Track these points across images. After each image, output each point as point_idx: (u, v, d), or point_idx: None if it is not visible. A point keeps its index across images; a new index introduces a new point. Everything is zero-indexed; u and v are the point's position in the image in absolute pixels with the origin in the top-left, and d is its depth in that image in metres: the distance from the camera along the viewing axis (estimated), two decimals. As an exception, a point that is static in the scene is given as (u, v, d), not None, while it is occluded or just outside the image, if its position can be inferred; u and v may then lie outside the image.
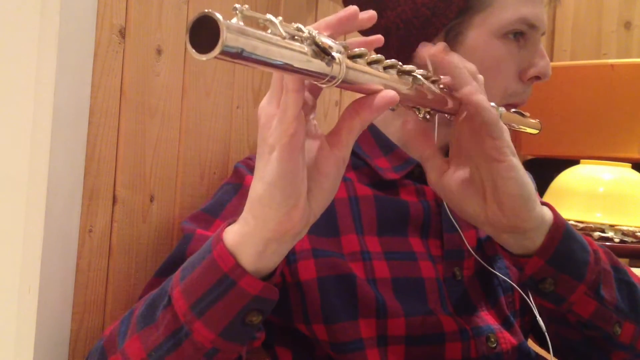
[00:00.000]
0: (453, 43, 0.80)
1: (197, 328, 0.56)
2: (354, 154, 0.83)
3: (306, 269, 0.74)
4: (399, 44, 0.82)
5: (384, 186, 0.82)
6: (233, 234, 0.56)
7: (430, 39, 0.81)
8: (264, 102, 0.54)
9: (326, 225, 0.76)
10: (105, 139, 0.78)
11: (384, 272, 0.76)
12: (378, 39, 0.56)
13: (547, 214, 0.69)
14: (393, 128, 0.85)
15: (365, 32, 0.89)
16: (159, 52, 0.85)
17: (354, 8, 0.54)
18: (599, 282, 0.71)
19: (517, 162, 0.65)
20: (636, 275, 0.80)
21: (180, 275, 0.59)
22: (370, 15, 0.55)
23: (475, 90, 0.63)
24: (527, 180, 0.66)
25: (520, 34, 0.80)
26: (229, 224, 0.58)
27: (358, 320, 0.73)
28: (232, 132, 0.99)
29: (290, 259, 0.74)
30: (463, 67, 0.64)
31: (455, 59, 0.64)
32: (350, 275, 0.74)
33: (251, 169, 0.80)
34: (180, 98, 0.89)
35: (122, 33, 0.79)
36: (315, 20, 1.19)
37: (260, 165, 0.53)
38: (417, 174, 0.84)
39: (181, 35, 0.88)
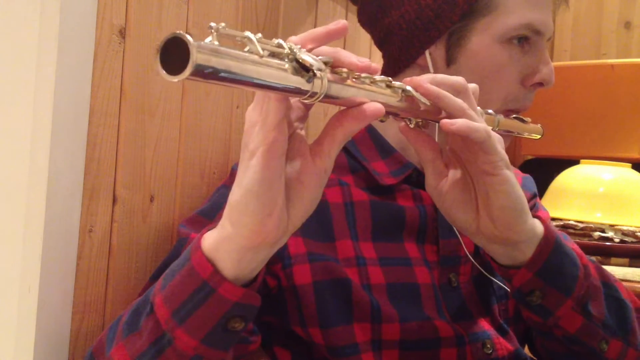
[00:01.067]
0: (455, 46, 0.80)
1: (179, 335, 0.56)
2: (352, 156, 0.83)
3: (302, 273, 0.74)
4: (401, 45, 0.82)
5: (380, 191, 0.81)
6: (211, 240, 0.56)
7: (433, 41, 0.80)
8: (250, 108, 0.54)
9: (321, 230, 0.76)
10: (105, 139, 0.78)
11: (379, 278, 0.76)
12: (366, 65, 0.53)
13: (539, 226, 0.68)
14: (392, 131, 0.85)
15: (369, 32, 0.89)
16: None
17: (343, 23, 0.53)
18: (587, 298, 0.70)
19: (510, 175, 0.64)
20: (627, 291, 0.79)
21: (161, 283, 0.59)
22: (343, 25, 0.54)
23: (449, 123, 0.61)
24: (520, 193, 0.65)
25: (524, 39, 0.79)
26: (209, 230, 0.58)
27: (353, 325, 0.73)
28: (232, 132, 0.99)
29: (286, 263, 0.74)
30: (444, 94, 0.62)
31: (431, 87, 0.61)
32: (346, 280, 0.74)
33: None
34: (180, 98, 0.89)
35: (122, 33, 0.79)
36: (315, 20, 1.19)
37: (240, 170, 0.53)
38: (414, 178, 0.83)
39: (181, 35, 0.88)
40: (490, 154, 0.62)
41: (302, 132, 0.55)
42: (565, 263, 0.69)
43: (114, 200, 0.80)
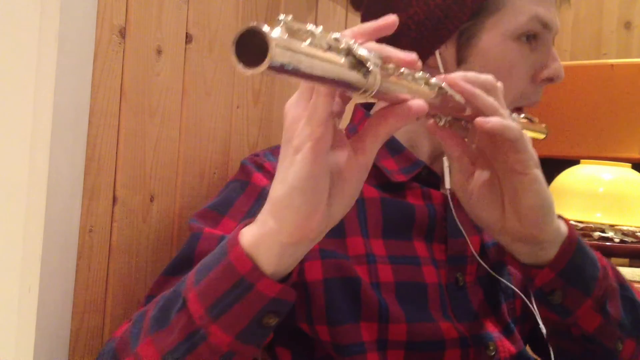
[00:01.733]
0: (466, 46, 0.80)
1: (214, 331, 0.56)
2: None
3: (313, 270, 0.74)
4: (410, 46, 0.81)
5: (391, 188, 0.81)
6: (250, 236, 0.56)
7: (443, 41, 0.80)
8: (291, 102, 0.53)
9: (333, 227, 0.76)
10: (105, 139, 0.78)
11: (388, 276, 0.76)
12: (413, 59, 0.53)
13: (563, 227, 0.69)
14: (401, 130, 0.85)
15: None
16: (159, 52, 0.85)
17: (393, 18, 0.53)
18: (605, 298, 0.70)
19: (540, 175, 0.64)
20: (638, 292, 0.80)
21: (194, 278, 0.59)
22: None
23: (484, 122, 0.61)
24: (549, 193, 0.65)
25: (532, 37, 0.79)
26: (245, 225, 0.58)
27: (360, 324, 0.73)
28: (232, 132, 0.99)
29: None
30: (478, 93, 0.62)
31: (467, 86, 0.62)
32: (355, 279, 0.74)
33: (258, 166, 0.80)
34: (180, 98, 0.89)
35: (122, 33, 0.79)
36: (315, 20, 1.19)
37: (283, 166, 0.52)
38: (424, 176, 0.83)
39: (181, 35, 0.88)
40: (521, 152, 0.63)
41: (340, 127, 0.55)
42: (586, 264, 0.70)
43: (114, 200, 0.80)
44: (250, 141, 1.03)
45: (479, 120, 0.61)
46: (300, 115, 0.51)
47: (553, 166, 1.40)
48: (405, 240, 0.79)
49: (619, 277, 0.76)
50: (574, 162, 1.35)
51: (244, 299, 0.55)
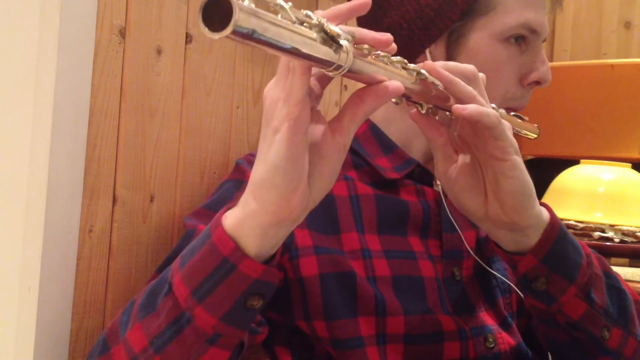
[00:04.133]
0: (455, 45, 0.80)
1: (199, 313, 0.56)
2: (355, 153, 0.84)
3: (308, 265, 0.74)
4: (401, 45, 0.82)
5: (384, 185, 0.82)
6: (233, 218, 0.56)
7: (433, 40, 0.81)
8: (269, 85, 0.54)
9: (327, 223, 0.77)
10: (105, 139, 0.78)
11: (384, 271, 0.76)
12: (388, 39, 0.55)
13: (545, 213, 0.69)
14: (394, 128, 0.86)
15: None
16: (159, 52, 0.85)
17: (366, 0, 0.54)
18: (590, 285, 0.71)
19: (519, 161, 0.65)
20: (626, 284, 0.80)
21: (180, 262, 0.59)
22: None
23: (460, 108, 0.62)
24: (529, 179, 0.66)
25: (521, 39, 0.80)
26: (229, 208, 0.58)
27: (358, 318, 0.74)
28: (232, 132, 0.99)
29: (293, 255, 0.75)
30: (455, 80, 0.63)
31: (444, 72, 0.63)
32: (351, 273, 0.74)
33: (252, 165, 0.80)
34: (180, 98, 0.89)
35: (122, 33, 0.79)
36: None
37: (264, 147, 0.53)
38: (417, 174, 0.84)
39: (181, 35, 0.88)
40: (500, 139, 0.63)
41: (319, 109, 0.56)
42: (569, 250, 0.70)
43: (114, 200, 0.80)
44: (250, 141, 1.03)
45: (457, 106, 0.62)
46: (278, 97, 0.52)
47: (553, 166, 1.40)
48: (400, 235, 0.80)
49: (604, 266, 0.76)
50: (574, 162, 1.35)
51: (227, 279, 0.55)
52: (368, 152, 0.84)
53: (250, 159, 0.83)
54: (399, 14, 0.81)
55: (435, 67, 0.62)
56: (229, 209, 0.58)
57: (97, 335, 0.79)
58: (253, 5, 0.41)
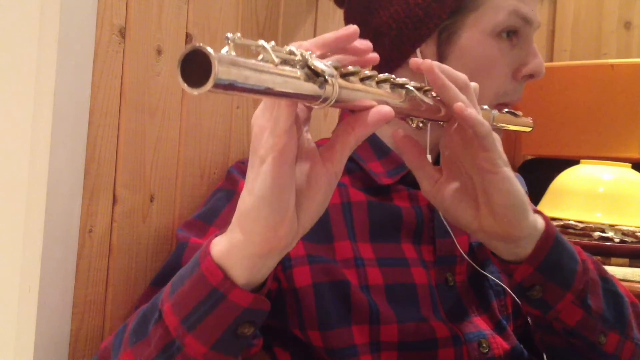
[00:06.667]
0: (446, 43, 0.80)
1: (189, 342, 0.56)
2: (348, 157, 0.83)
3: (301, 275, 0.74)
4: (391, 45, 0.82)
5: (377, 191, 0.82)
6: (221, 246, 0.56)
7: (424, 39, 0.81)
8: (257, 112, 0.53)
9: (320, 232, 0.76)
10: (105, 139, 0.78)
11: (377, 279, 0.76)
12: (373, 58, 0.55)
13: (539, 222, 0.69)
14: (388, 132, 0.85)
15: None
16: (159, 52, 0.85)
17: (353, 28, 0.53)
18: (586, 292, 0.70)
19: (509, 173, 0.64)
20: (623, 287, 0.80)
21: (170, 289, 0.59)
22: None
23: (463, 107, 0.62)
24: (520, 190, 0.66)
25: (513, 33, 0.80)
26: (217, 235, 0.58)
27: (351, 327, 0.73)
28: (232, 132, 0.99)
29: (286, 265, 0.74)
30: (450, 85, 0.63)
31: (441, 76, 0.62)
32: (344, 282, 0.74)
33: (244, 173, 0.80)
34: (180, 98, 0.89)
35: (122, 33, 0.79)
36: (315, 20, 1.19)
37: (250, 178, 0.53)
38: (410, 179, 0.83)
39: (181, 35, 0.88)
40: (489, 151, 0.63)
41: (309, 135, 0.55)
42: (564, 257, 0.70)
43: (114, 201, 0.80)
44: (250, 141, 1.02)
45: (458, 105, 0.61)
46: (264, 126, 0.52)
47: (553, 166, 1.40)
48: (393, 242, 0.79)
49: (600, 270, 0.76)
50: (574, 162, 1.35)
51: (217, 309, 0.55)
52: (361, 156, 0.83)
53: (241, 167, 0.82)
54: (387, 14, 0.81)
55: (433, 67, 0.62)
56: (218, 234, 0.58)
57: (97, 336, 0.79)
58: (233, 53, 0.41)
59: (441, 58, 0.81)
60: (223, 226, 0.58)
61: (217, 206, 0.79)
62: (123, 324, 0.66)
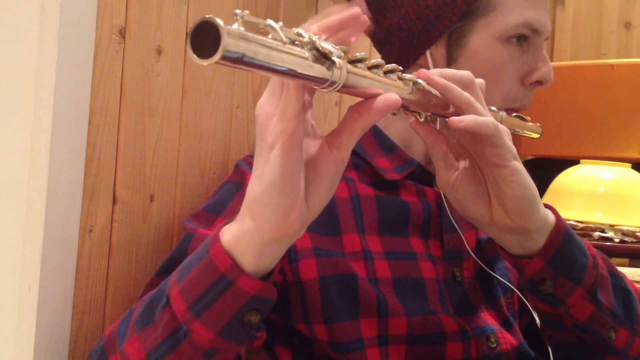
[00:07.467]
0: (456, 46, 0.80)
1: (196, 328, 0.56)
2: (355, 153, 0.83)
3: (308, 269, 0.74)
4: (401, 46, 0.82)
5: (385, 186, 0.82)
6: (230, 234, 0.56)
7: (434, 41, 0.81)
8: (262, 100, 0.53)
9: (328, 225, 0.76)
10: (105, 139, 0.78)
11: (385, 272, 0.76)
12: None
13: (550, 216, 0.69)
14: (394, 129, 0.86)
15: (368, 33, 0.89)
16: (159, 52, 0.85)
17: (356, 10, 0.53)
18: (596, 287, 0.71)
19: (519, 166, 0.65)
20: (632, 283, 0.80)
21: (177, 275, 0.59)
22: (356, 12, 0.54)
23: (458, 121, 0.61)
24: (531, 183, 0.66)
25: (523, 39, 0.80)
26: (226, 224, 0.58)
27: (359, 320, 0.73)
28: (232, 132, 0.99)
29: (292, 258, 0.74)
30: (452, 85, 0.63)
31: (440, 80, 0.62)
32: (352, 275, 0.74)
33: (252, 167, 0.80)
34: (180, 98, 0.89)
35: (122, 33, 0.79)
36: (315, 20, 1.19)
37: (259, 164, 0.53)
38: (417, 174, 0.84)
39: (181, 35, 0.88)
40: (498, 146, 0.63)
41: (312, 121, 0.55)
42: (575, 252, 0.70)
43: (114, 200, 0.80)
44: (250, 141, 1.03)
45: (453, 119, 0.62)
46: (272, 113, 0.52)
47: (553, 166, 1.40)
48: (401, 236, 0.79)
49: (610, 266, 0.76)
50: (574, 162, 1.35)
51: (224, 295, 0.55)
52: (368, 153, 0.84)
53: (250, 161, 0.82)
54: (398, 15, 0.81)
55: (430, 75, 0.62)
56: (227, 223, 0.58)
57: (97, 335, 0.78)
58: (242, 29, 0.41)
59: (450, 61, 0.81)
60: (230, 217, 0.58)
61: (225, 198, 0.79)
62: (129, 310, 0.65)
